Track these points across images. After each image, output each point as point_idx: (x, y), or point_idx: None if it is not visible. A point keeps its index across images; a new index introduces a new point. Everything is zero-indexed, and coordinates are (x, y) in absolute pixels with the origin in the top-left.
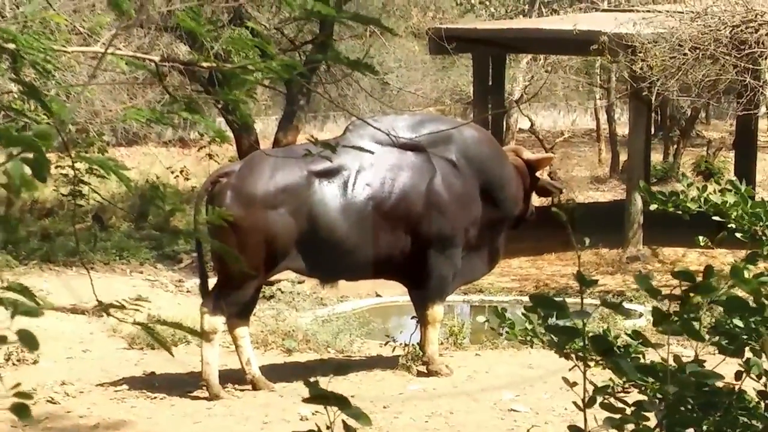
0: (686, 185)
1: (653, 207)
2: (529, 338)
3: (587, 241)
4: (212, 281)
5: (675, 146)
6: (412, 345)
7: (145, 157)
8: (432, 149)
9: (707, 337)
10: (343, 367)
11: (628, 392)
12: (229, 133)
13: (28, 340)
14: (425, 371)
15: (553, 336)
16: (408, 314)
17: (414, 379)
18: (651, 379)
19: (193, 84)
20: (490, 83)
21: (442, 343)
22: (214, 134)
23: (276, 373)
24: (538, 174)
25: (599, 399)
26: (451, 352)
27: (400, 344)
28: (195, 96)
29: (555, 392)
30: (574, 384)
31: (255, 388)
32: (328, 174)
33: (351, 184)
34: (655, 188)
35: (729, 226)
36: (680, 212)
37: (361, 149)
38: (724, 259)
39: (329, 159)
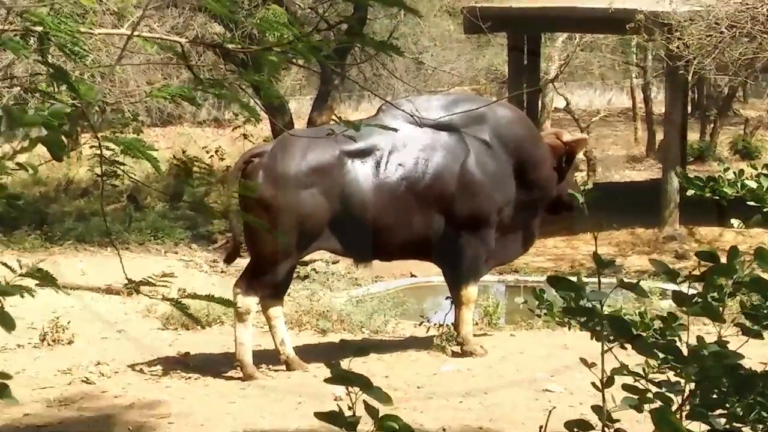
0: (723, 170)
1: (690, 192)
2: (567, 320)
3: (604, 222)
4: (244, 262)
5: (712, 125)
6: (447, 325)
7: (179, 137)
8: (465, 129)
9: (746, 323)
10: (363, 349)
11: (663, 373)
12: (263, 114)
13: (4, 321)
14: (459, 352)
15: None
16: (442, 294)
17: (448, 360)
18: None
19: (227, 63)
20: (525, 62)
21: (476, 324)
22: (245, 113)
23: (310, 353)
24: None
25: (627, 381)
26: (485, 332)
27: (435, 324)
28: (225, 76)
29: (590, 372)
30: (593, 365)
31: (289, 368)
32: (361, 154)
33: (384, 164)
34: (691, 168)
35: (765, 210)
36: (717, 197)
37: (388, 128)
38: (762, 238)
39: (353, 138)
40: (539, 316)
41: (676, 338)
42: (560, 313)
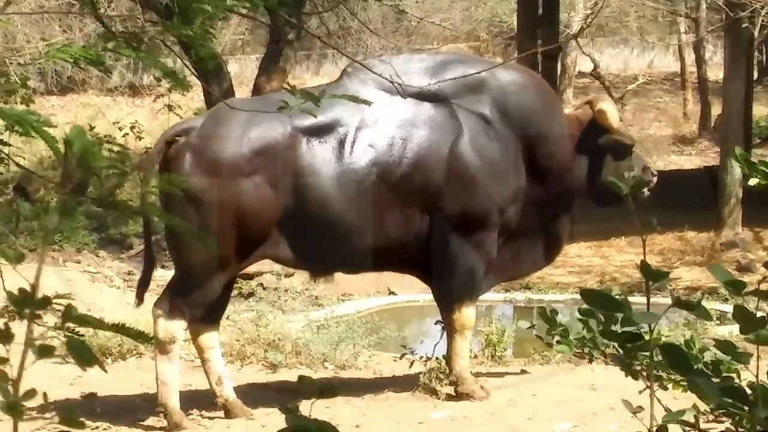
0: None
1: (753, 182)
2: (587, 351)
3: (654, 222)
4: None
5: None
6: (437, 359)
7: (84, 108)
8: (458, 100)
9: None
10: (330, 388)
11: (721, 421)
12: (195, 79)
13: None
14: (453, 393)
15: (614, 346)
16: (431, 317)
17: (439, 404)
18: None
19: (147, 12)
20: (540, 12)
21: (476, 357)
22: (168, 79)
23: (256, 395)
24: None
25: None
26: (487, 367)
27: (421, 358)
28: (144, 29)
29: (626, 421)
30: (639, 409)
31: (228, 415)
32: (320, 132)
33: (349, 146)
34: (757, 152)
35: None
36: None
37: (359, 100)
38: None
39: (313, 114)
40: (550, 345)
41: (734, 374)
42: (579, 341)
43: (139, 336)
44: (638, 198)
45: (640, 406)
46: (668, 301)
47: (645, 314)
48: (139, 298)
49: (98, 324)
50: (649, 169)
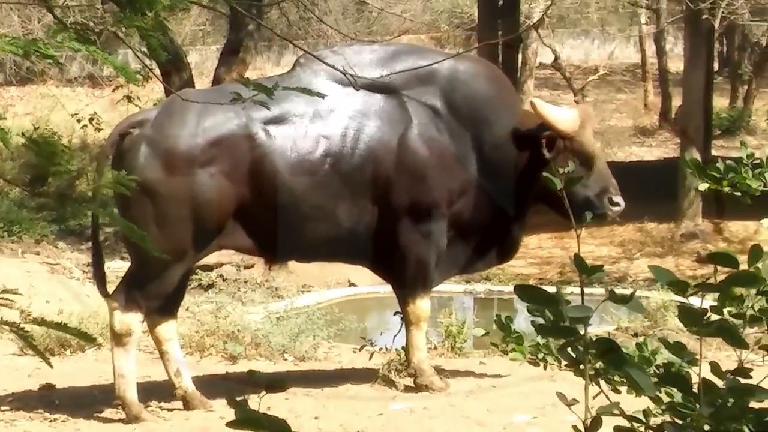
0: (746, 156)
1: (703, 187)
2: (541, 357)
3: (589, 216)
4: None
5: (746, 87)
6: (396, 350)
7: (43, 99)
8: (408, 91)
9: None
10: (278, 381)
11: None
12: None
13: None
14: (413, 385)
15: (545, 338)
16: (391, 309)
17: (398, 396)
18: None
19: (107, 2)
20: (501, 3)
21: (435, 348)
22: (118, 71)
23: (216, 386)
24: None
25: (628, 425)
26: (447, 359)
27: (380, 349)
28: (103, 19)
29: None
30: (573, 402)
31: (187, 406)
32: (274, 122)
33: (303, 136)
34: (718, 143)
35: None
36: (738, 193)
37: (311, 92)
38: None
39: (265, 105)
40: (505, 352)
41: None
42: (533, 348)
43: (81, 335)
44: (605, 219)
45: (575, 399)
46: (627, 293)
47: (579, 308)
48: (103, 293)
49: (41, 322)
50: (607, 193)
